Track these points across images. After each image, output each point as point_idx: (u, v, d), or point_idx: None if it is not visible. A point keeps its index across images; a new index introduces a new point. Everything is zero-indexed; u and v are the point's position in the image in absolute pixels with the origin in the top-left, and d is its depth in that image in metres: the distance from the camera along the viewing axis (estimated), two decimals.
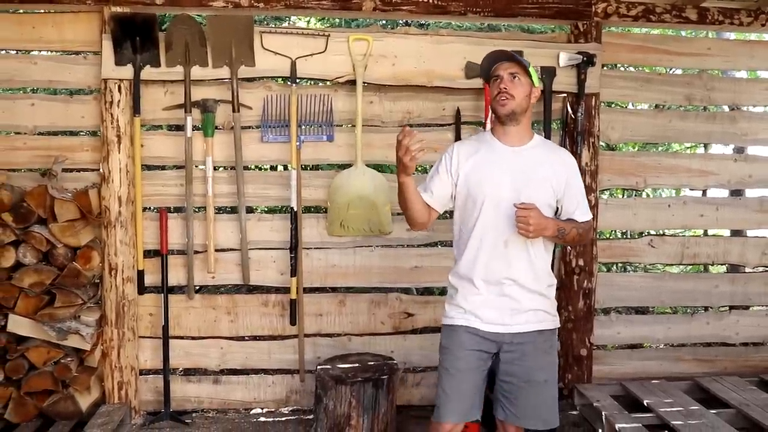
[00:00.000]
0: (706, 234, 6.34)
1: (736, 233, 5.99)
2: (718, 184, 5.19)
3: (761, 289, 5.21)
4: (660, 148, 5.87)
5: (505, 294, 3.09)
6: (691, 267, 6.36)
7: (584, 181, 4.57)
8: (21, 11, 4.67)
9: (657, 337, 5.17)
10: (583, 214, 3.21)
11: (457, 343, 3.13)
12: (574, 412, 4.69)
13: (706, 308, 5.41)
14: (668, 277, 5.23)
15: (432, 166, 3.31)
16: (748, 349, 5.22)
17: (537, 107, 4.65)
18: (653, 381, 4.86)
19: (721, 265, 5.59)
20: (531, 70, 3.12)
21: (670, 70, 5.23)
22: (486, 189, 3.08)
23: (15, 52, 4.74)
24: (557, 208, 3.20)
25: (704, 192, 5.96)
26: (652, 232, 5.21)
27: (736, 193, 6.13)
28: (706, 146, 6.29)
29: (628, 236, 5.26)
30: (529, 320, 3.12)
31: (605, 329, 5.03)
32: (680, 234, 5.31)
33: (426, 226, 3.24)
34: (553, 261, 4.70)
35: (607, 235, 5.23)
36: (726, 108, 5.24)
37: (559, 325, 3.27)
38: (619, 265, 5.72)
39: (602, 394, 4.59)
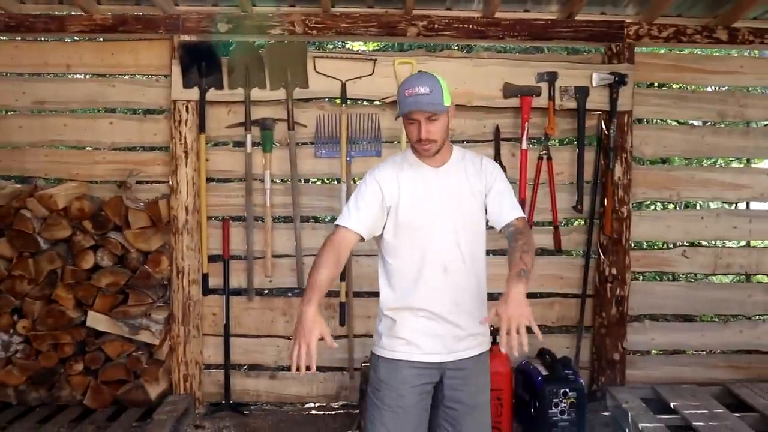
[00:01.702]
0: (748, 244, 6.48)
1: None
2: (752, 197, 5.39)
3: None
4: (701, 162, 6.07)
5: (447, 321, 2.95)
6: (733, 277, 6.49)
7: (617, 194, 4.93)
8: (99, 39, 5.17)
9: (691, 343, 5.38)
10: (515, 210, 3.02)
11: (400, 379, 2.97)
12: (606, 413, 4.92)
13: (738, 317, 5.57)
14: (703, 286, 5.42)
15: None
16: None
17: (572, 124, 5.00)
18: (684, 386, 5.06)
19: (755, 275, 5.75)
20: (445, 89, 2.90)
21: (704, 87, 5.42)
22: (420, 215, 2.94)
23: (97, 76, 5.24)
24: (488, 214, 3.03)
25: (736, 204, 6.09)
26: (686, 243, 5.40)
27: None
28: (749, 161, 6.45)
29: (663, 247, 5.46)
30: (470, 345, 3.01)
31: (640, 335, 5.25)
32: (713, 244, 5.49)
33: (347, 258, 2.96)
34: (586, 271, 5.03)
35: (639, 246, 5.45)
36: (760, 124, 5.42)
37: (489, 346, 3.14)
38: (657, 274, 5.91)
39: (632, 396, 4.82)
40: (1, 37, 5.13)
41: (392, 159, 3.13)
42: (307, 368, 2.60)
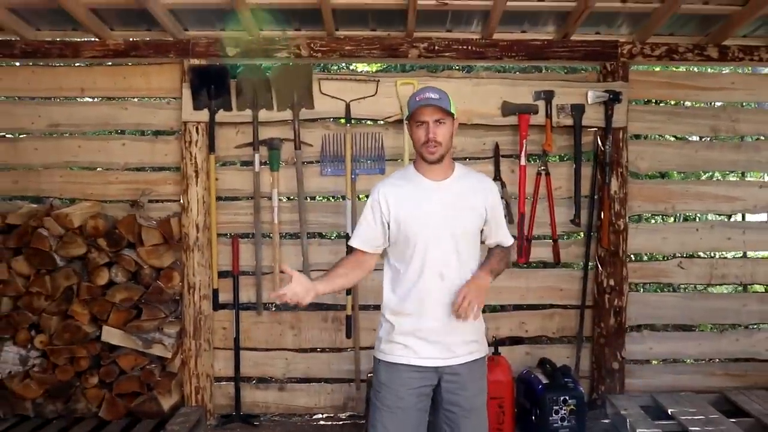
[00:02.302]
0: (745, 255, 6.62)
1: None
2: (745, 209, 5.54)
3: None
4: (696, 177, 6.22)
5: (443, 327, 3.11)
6: (731, 287, 6.62)
7: (613, 208, 5.10)
8: (110, 63, 5.36)
9: (689, 352, 5.52)
10: (507, 238, 3.34)
11: (399, 382, 3.15)
12: (606, 421, 5.06)
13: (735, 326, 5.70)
14: (699, 296, 5.57)
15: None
16: None
17: (569, 140, 5.16)
18: (682, 393, 5.19)
19: (750, 285, 5.89)
20: (452, 102, 3.14)
21: (696, 103, 5.60)
22: (417, 226, 3.12)
23: (109, 99, 5.42)
24: (483, 232, 3.27)
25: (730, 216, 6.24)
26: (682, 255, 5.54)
27: None
28: (744, 174, 6.61)
29: (660, 258, 5.62)
30: (466, 351, 3.17)
31: (638, 345, 5.39)
32: (709, 256, 5.64)
33: (371, 270, 3.29)
34: (585, 282, 5.18)
35: (638, 258, 5.61)
36: (752, 138, 5.57)
37: (488, 352, 3.35)
38: (654, 285, 6.06)
39: (631, 404, 4.96)
40: (18, 63, 5.32)
41: (397, 173, 3.36)
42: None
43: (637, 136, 5.43)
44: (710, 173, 6.52)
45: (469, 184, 3.23)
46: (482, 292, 3.03)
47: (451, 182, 3.20)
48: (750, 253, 6.14)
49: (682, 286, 5.70)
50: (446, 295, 3.10)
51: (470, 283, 3.04)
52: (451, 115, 3.13)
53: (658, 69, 5.50)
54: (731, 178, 6.42)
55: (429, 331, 3.12)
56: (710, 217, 5.79)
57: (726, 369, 5.48)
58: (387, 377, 3.19)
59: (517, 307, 5.58)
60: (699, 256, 5.55)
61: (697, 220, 5.75)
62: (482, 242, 3.29)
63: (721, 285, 5.66)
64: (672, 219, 6.20)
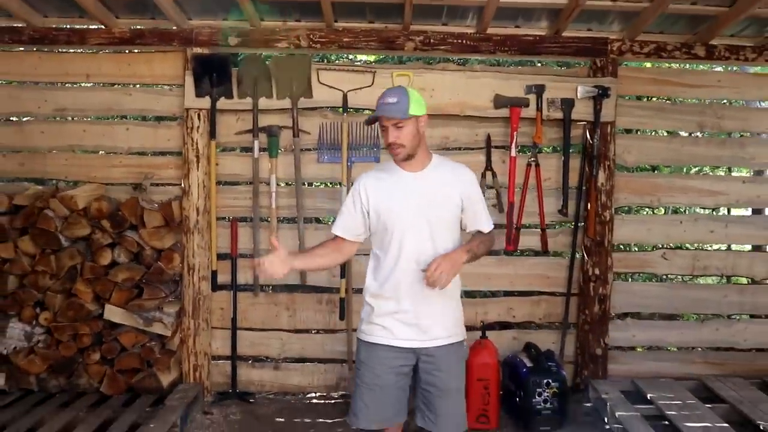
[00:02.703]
0: (729, 248, 6.80)
1: (757, 248, 6.45)
2: (728, 203, 5.72)
3: (767, 299, 5.69)
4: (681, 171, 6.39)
5: (421, 310, 3.28)
6: (714, 278, 6.80)
7: (600, 199, 5.26)
8: (115, 50, 5.52)
9: (670, 340, 5.71)
10: (488, 224, 3.46)
11: (377, 361, 3.34)
12: (588, 404, 5.25)
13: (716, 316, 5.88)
14: (681, 287, 5.76)
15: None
16: (756, 354, 5.68)
17: (559, 133, 5.33)
18: (662, 380, 5.38)
19: (730, 277, 6.07)
20: (413, 101, 3.26)
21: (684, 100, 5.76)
22: (394, 215, 3.29)
23: (114, 85, 5.58)
24: (462, 220, 3.41)
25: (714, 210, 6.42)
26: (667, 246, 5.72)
27: (757, 212, 6.62)
28: (730, 169, 6.79)
29: (646, 249, 5.80)
30: (441, 335, 3.33)
31: (621, 332, 5.57)
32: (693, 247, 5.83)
33: (351, 256, 3.58)
34: (571, 271, 5.35)
35: (625, 248, 5.80)
36: (736, 135, 5.75)
37: (465, 338, 3.48)
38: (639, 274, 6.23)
39: (613, 388, 5.15)
40: (26, 49, 5.47)
41: (378, 167, 3.59)
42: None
43: (627, 131, 5.60)
44: (699, 168, 6.67)
45: (444, 173, 3.38)
46: (455, 264, 3.14)
47: (428, 172, 3.36)
48: (733, 246, 6.32)
49: (666, 276, 5.86)
50: (422, 280, 3.21)
51: (444, 255, 3.16)
52: (409, 116, 3.24)
53: (648, 65, 5.65)
54: (720, 173, 6.58)
55: (405, 314, 3.30)
56: (696, 210, 5.96)
57: (706, 357, 5.66)
58: (366, 356, 3.39)
59: (507, 294, 5.76)
60: (683, 248, 5.73)
61: (684, 213, 5.92)
62: (463, 230, 3.44)
63: (702, 276, 5.83)
64: (662, 211, 6.36)
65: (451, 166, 3.45)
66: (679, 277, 5.85)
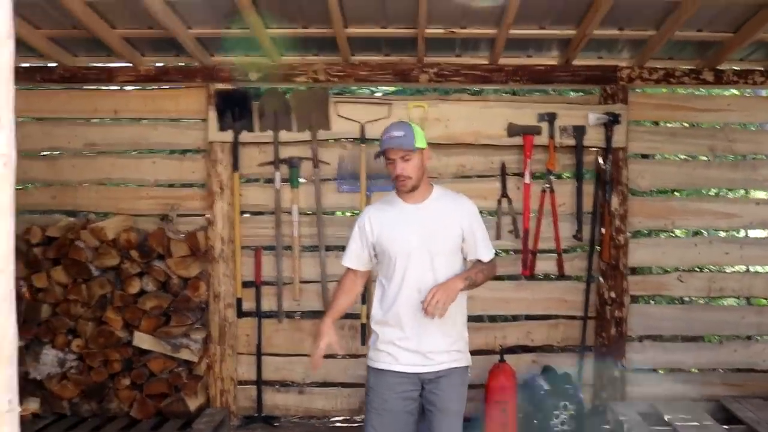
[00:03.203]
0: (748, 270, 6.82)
1: None
2: (742, 225, 5.79)
3: None
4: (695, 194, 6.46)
5: (422, 337, 3.42)
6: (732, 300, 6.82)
7: (614, 224, 5.36)
8: (141, 87, 5.75)
9: (689, 362, 5.75)
10: (487, 253, 3.58)
11: (384, 386, 3.49)
12: (606, 427, 5.30)
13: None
14: (698, 308, 5.81)
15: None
16: None
17: (572, 159, 5.44)
18: (681, 401, 5.42)
19: (747, 298, 6.11)
20: (417, 134, 3.45)
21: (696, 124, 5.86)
22: (397, 246, 3.45)
23: (141, 120, 5.81)
24: (462, 249, 3.56)
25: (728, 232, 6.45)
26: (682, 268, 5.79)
27: None
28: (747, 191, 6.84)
29: (660, 272, 5.88)
30: (444, 360, 3.46)
31: (640, 354, 5.62)
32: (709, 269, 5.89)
33: (365, 280, 3.82)
34: (587, 294, 5.43)
35: (640, 271, 5.90)
36: (748, 157, 5.80)
37: (470, 363, 3.63)
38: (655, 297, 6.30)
39: (631, 411, 5.19)
40: (57, 87, 5.71)
41: (381, 200, 3.76)
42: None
43: (644, 156, 5.71)
44: (717, 191, 6.73)
45: (445, 205, 3.55)
46: (450, 293, 3.27)
47: (429, 204, 3.53)
48: (750, 268, 6.37)
49: (683, 298, 5.93)
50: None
51: (440, 285, 3.30)
52: (416, 148, 3.42)
53: (665, 91, 5.74)
54: (731, 195, 6.64)
55: (408, 341, 3.44)
56: (709, 233, 6.01)
57: (725, 379, 5.70)
58: (375, 382, 3.55)
59: (525, 318, 5.85)
60: (698, 270, 5.80)
61: (697, 235, 5.99)
62: (464, 258, 3.58)
63: (719, 298, 5.89)
64: (677, 234, 6.43)
65: (452, 197, 3.63)
66: (697, 299, 5.89)
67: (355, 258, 3.64)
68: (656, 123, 5.94)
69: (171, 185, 5.80)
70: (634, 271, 5.79)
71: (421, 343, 3.44)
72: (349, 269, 3.68)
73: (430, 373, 3.47)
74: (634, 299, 5.69)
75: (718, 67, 5.49)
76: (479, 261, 3.57)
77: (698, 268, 5.81)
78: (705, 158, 5.70)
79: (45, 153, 6.04)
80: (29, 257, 5.29)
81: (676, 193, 6.33)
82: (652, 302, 6.26)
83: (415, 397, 3.52)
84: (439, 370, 3.47)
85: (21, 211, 5.69)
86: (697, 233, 6.43)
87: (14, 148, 1.86)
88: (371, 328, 3.62)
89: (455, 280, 3.36)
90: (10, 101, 1.86)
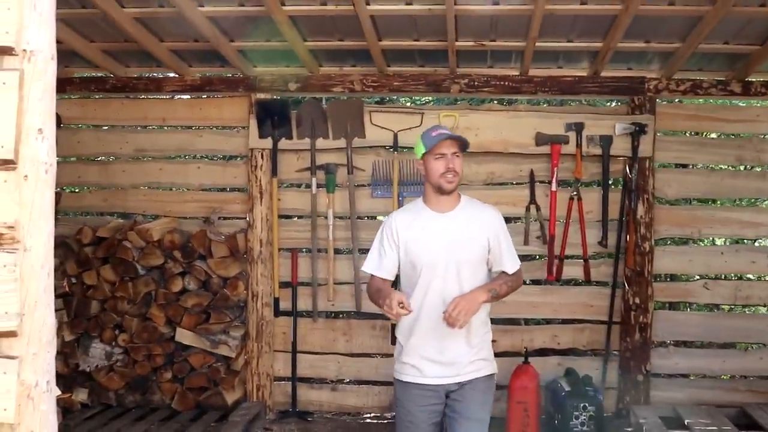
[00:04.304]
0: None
1: None
2: None
3: None
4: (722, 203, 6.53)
5: (447, 348, 3.33)
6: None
7: (639, 231, 5.47)
8: (188, 96, 6.11)
9: (713, 368, 5.83)
10: (513, 265, 3.48)
11: (409, 398, 3.41)
12: (629, 429, 5.42)
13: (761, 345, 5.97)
14: (723, 316, 5.89)
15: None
16: None
17: (600, 168, 5.58)
18: (703, 407, 5.49)
19: None
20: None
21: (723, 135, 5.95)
22: (423, 255, 3.34)
23: (187, 127, 6.12)
24: (488, 260, 3.44)
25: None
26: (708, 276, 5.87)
27: None
28: None
29: (686, 279, 5.97)
30: (469, 370, 3.37)
31: (664, 359, 5.72)
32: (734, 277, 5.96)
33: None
34: (612, 300, 5.54)
35: (666, 278, 6.01)
36: None
37: (496, 371, 3.52)
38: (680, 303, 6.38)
39: (652, 414, 5.29)
40: (109, 96, 6.06)
41: (406, 207, 3.74)
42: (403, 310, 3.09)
43: (679, 165, 5.81)
44: (746, 201, 6.78)
45: (472, 215, 3.46)
46: (472, 304, 3.18)
47: (456, 213, 3.43)
48: None
49: (710, 305, 6.01)
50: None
51: (463, 295, 3.23)
52: (465, 149, 3.43)
53: (698, 102, 5.81)
54: (759, 205, 6.67)
55: (432, 352, 3.36)
56: (736, 242, 6.06)
57: (750, 385, 5.76)
58: (401, 394, 3.49)
59: (551, 321, 6.01)
60: (724, 278, 5.88)
61: (725, 244, 6.06)
62: (489, 269, 3.47)
63: (746, 306, 5.95)
64: (703, 242, 6.50)
65: (480, 208, 3.55)
66: (723, 306, 5.97)
67: (379, 265, 3.47)
68: (679, 132, 6.02)
69: (214, 189, 6.08)
70: (659, 278, 5.87)
71: (445, 354, 3.36)
72: (373, 276, 3.51)
73: (454, 384, 3.38)
74: (660, 305, 5.78)
75: (747, 79, 5.56)
76: (504, 272, 3.48)
77: (724, 276, 5.88)
78: (732, 168, 5.78)
79: (98, 158, 6.39)
80: (80, 256, 5.65)
81: (702, 202, 6.40)
82: (677, 308, 6.34)
83: (440, 409, 3.43)
84: (463, 381, 3.38)
85: (74, 213, 6.06)
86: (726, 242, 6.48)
87: (55, 156, 2.12)
88: (397, 339, 3.54)
89: (478, 291, 3.28)
90: (53, 115, 2.14)
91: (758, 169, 5.77)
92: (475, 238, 3.41)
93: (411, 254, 3.41)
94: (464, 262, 3.38)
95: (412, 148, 5.83)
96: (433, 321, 3.33)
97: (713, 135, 5.94)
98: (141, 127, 6.15)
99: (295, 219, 5.97)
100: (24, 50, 2.06)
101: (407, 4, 4.68)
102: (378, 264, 3.49)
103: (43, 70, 2.09)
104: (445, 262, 3.35)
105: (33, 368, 2.07)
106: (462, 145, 3.43)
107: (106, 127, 6.20)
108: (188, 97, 6.14)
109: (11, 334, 2.02)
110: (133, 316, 5.58)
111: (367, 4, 4.64)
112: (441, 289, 3.35)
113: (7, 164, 2.02)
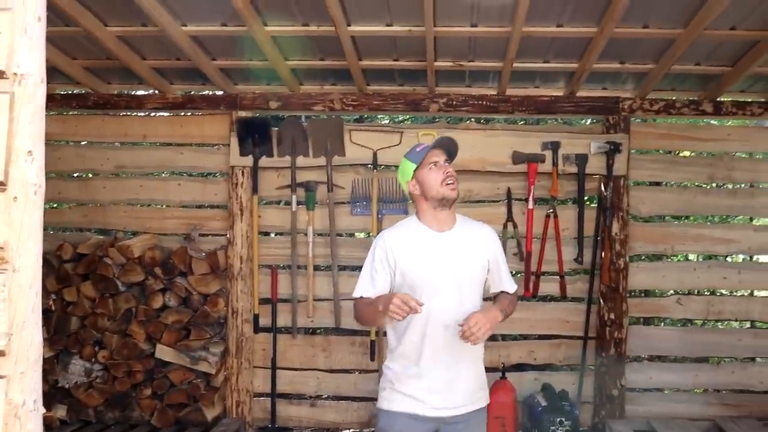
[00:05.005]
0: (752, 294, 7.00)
1: None
2: (739, 250, 5.98)
3: None
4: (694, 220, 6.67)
5: (446, 378, 3.14)
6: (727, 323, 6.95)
7: (614, 248, 5.58)
8: (169, 114, 6.15)
9: (686, 382, 5.93)
10: (511, 285, 3.39)
11: (399, 429, 3.18)
12: None
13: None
14: (696, 331, 5.99)
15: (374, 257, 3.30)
16: None
17: (574, 186, 5.69)
18: (677, 420, 5.61)
19: (744, 321, 6.28)
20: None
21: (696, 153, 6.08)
22: (422, 277, 3.11)
23: (168, 144, 6.15)
24: (486, 280, 3.31)
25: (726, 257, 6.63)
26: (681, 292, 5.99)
27: None
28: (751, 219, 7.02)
29: (659, 295, 6.09)
30: (467, 402, 3.21)
31: (638, 374, 5.81)
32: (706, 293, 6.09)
33: None
34: (588, 316, 5.64)
35: (640, 294, 6.13)
36: (746, 185, 6.00)
37: (488, 401, 3.38)
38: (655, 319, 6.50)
39: (628, 428, 5.40)
40: (91, 113, 6.08)
41: (400, 224, 3.42)
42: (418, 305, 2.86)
43: (645, 183, 5.93)
44: (713, 217, 6.92)
45: (470, 233, 3.31)
46: (492, 323, 3.00)
47: (454, 232, 3.27)
48: (745, 292, 6.57)
49: (682, 320, 6.12)
50: (450, 345, 3.12)
51: (483, 312, 3.05)
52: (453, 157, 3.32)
53: (657, 121, 5.97)
54: (735, 222, 6.82)
55: (433, 381, 3.16)
56: (708, 257, 6.17)
57: (722, 399, 5.87)
58: (386, 425, 3.25)
59: (528, 337, 6.08)
60: (697, 293, 5.99)
61: (695, 259, 6.18)
62: (486, 290, 3.37)
63: (717, 321, 6.07)
64: (676, 258, 6.64)
65: (475, 225, 3.41)
66: (696, 321, 6.08)
67: (373, 287, 3.20)
68: (658, 151, 6.15)
69: (194, 206, 6.11)
70: (633, 293, 5.97)
71: (445, 384, 3.18)
72: (362, 297, 3.24)
73: (453, 417, 3.20)
74: (634, 320, 5.88)
75: (718, 99, 5.71)
76: (503, 293, 3.38)
77: (697, 291, 6.00)
78: (704, 185, 5.91)
79: (78, 174, 6.40)
80: (60, 272, 5.65)
81: (676, 219, 6.53)
82: (653, 324, 6.46)
83: None
84: (463, 414, 3.22)
85: (54, 229, 6.06)
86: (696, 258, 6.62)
87: (44, 177, 2.17)
88: (386, 366, 3.32)
89: (495, 311, 3.10)
90: (42, 137, 2.18)
91: (729, 187, 5.89)
92: (476, 257, 3.28)
93: (409, 277, 3.19)
94: (468, 284, 3.23)
95: (392, 166, 5.98)
96: (435, 348, 3.16)
97: (686, 153, 6.06)
98: (122, 144, 6.16)
99: (275, 236, 6.00)
100: (15, 73, 2.10)
101: (388, 25, 4.76)
102: (370, 286, 3.23)
103: (33, 93, 2.14)
104: (447, 284, 3.16)
105: (20, 387, 2.10)
106: (450, 152, 3.35)
107: (86, 143, 6.21)
108: (169, 114, 6.17)
109: None
110: (113, 333, 5.58)
111: (349, 25, 4.71)
112: (443, 313, 3.15)
113: None
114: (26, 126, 2.12)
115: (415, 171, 3.29)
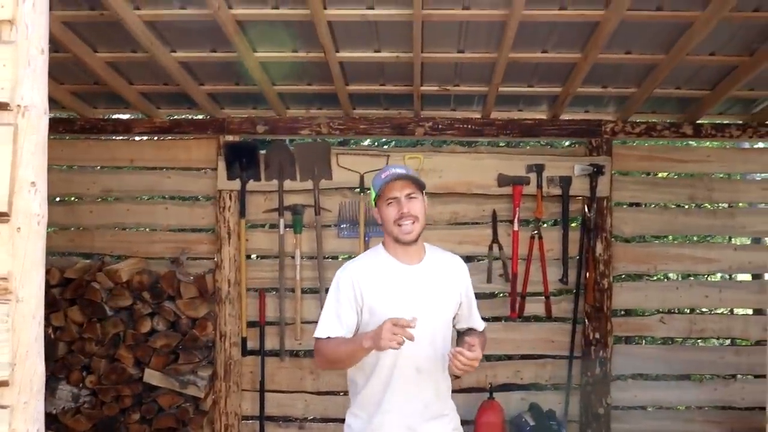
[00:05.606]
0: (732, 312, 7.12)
1: (758, 312, 6.76)
2: (720, 269, 6.10)
3: (763, 360, 5.95)
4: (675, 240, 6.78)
5: (417, 417, 2.95)
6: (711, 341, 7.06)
7: (598, 269, 5.66)
8: (156, 138, 6.17)
9: (670, 400, 6.03)
10: (481, 323, 3.22)
11: None
12: None
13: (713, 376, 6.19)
14: (680, 349, 6.09)
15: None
16: (753, 413, 5.87)
17: (558, 207, 5.77)
18: None
19: (726, 338, 6.40)
20: (419, 177, 3.01)
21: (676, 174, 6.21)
22: (392, 316, 2.69)
23: (155, 168, 6.14)
24: (455, 316, 3.11)
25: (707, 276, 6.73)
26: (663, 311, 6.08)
27: (757, 277, 6.95)
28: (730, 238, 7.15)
29: (643, 314, 6.18)
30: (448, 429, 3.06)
31: (623, 392, 5.89)
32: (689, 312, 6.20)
33: None
34: (573, 335, 5.71)
35: (624, 313, 6.22)
36: (725, 205, 6.15)
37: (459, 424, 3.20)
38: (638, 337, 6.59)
39: None
40: (77, 137, 6.08)
41: (365, 255, 3.22)
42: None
43: (624, 204, 6.04)
44: (701, 238, 7.04)
45: (442, 267, 3.09)
46: (477, 357, 2.77)
47: (425, 265, 3.04)
48: (726, 310, 6.68)
49: (665, 339, 6.21)
50: (422, 389, 2.95)
51: (469, 347, 2.77)
52: (422, 188, 2.97)
53: (638, 144, 6.10)
54: (715, 242, 6.95)
55: (402, 424, 2.96)
56: (689, 277, 6.27)
57: (705, 416, 5.96)
58: None
59: (515, 357, 6.14)
60: (679, 312, 6.09)
61: (677, 279, 6.29)
62: (454, 326, 3.17)
63: (699, 338, 6.17)
64: (659, 278, 6.75)
65: (446, 257, 3.18)
66: (677, 339, 6.18)
67: (340, 326, 2.91)
68: (639, 173, 6.27)
69: (182, 230, 6.13)
70: (617, 313, 6.05)
71: (417, 422, 2.97)
72: (328, 338, 2.92)
73: None
74: (618, 339, 5.95)
75: (698, 121, 5.84)
76: (471, 329, 3.18)
77: (679, 310, 6.09)
78: (684, 206, 6.01)
79: (65, 199, 6.40)
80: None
81: (657, 239, 6.64)
82: (636, 343, 6.55)
83: None
84: None
85: None
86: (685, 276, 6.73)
87: (46, 208, 2.20)
88: (351, 413, 3.11)
89: (479, 349, 2.80)
90: (44, 168, 2.21)
91: (709, 207, 6.00)
92: (449, 293, 3.06)
93: (377, 314, 2.88)
94: (440, 322, 3.01)
95: None
96: (407, 392, 2.94)
97: (666, 174, 6.18)
98: (108, 168, 6.18)
99: (263, 259, 6.03)
100: (18, 105, 2.13)
101: (376, 51, 4.85)
102: (337, 324, 2.93)
103: (37, 125, 2.17)
104: (419, 324, 2.70)
105: (24, 417, 2.12)
106: (419, 182, 2.98)
107: (73, 168, 6.20)
108: (156, 138, 6.19)
109: (3, 383, 2.07)
110: (101, 358, 5.56)
111: (337, 51, 4.79)
112: (414, 355, 2.88)
113: (1, 217, 2.09)
114: (29, 157, 2.14)
115: (376, 200, 3.02)
